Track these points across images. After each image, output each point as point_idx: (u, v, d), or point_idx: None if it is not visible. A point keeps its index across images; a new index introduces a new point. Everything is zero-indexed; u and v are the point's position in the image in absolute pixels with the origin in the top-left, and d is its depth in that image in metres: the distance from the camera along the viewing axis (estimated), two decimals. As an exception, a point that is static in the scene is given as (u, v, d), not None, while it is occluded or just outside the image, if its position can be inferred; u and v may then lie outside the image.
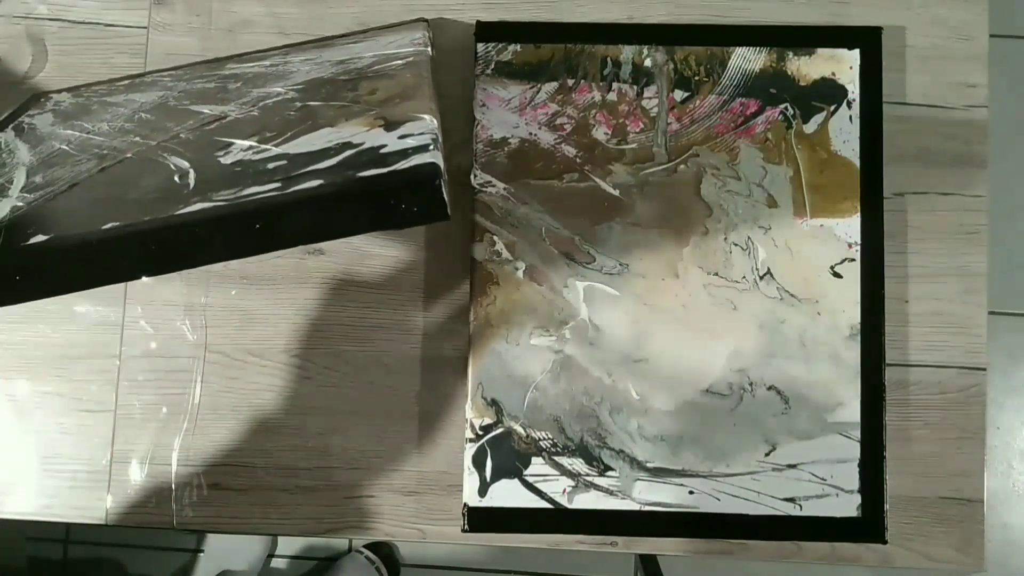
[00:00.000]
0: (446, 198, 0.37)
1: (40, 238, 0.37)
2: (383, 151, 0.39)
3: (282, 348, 0.54)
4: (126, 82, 0.55)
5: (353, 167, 0.38)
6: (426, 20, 0.55)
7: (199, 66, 0.55)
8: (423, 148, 0.38)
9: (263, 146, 0.42)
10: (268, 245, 0.37)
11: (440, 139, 0.40)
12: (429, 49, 0.50)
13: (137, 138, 0.47)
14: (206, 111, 0.48)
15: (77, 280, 0.37)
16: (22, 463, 0.54)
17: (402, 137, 0.39)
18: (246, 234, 0.37)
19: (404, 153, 0.38)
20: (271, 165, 0.40)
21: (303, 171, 0.38)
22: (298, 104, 0.46)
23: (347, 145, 0.40)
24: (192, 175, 0.41)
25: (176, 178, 0.41)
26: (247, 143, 0.43)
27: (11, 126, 0.51)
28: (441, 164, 0.37)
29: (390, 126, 0.41)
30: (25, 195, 0.43)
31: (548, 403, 0.51)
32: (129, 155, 0.45)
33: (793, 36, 0.54)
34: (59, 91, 0.56)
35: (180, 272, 0.54)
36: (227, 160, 0.42)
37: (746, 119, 0.53)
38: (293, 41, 0.56)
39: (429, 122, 0.40)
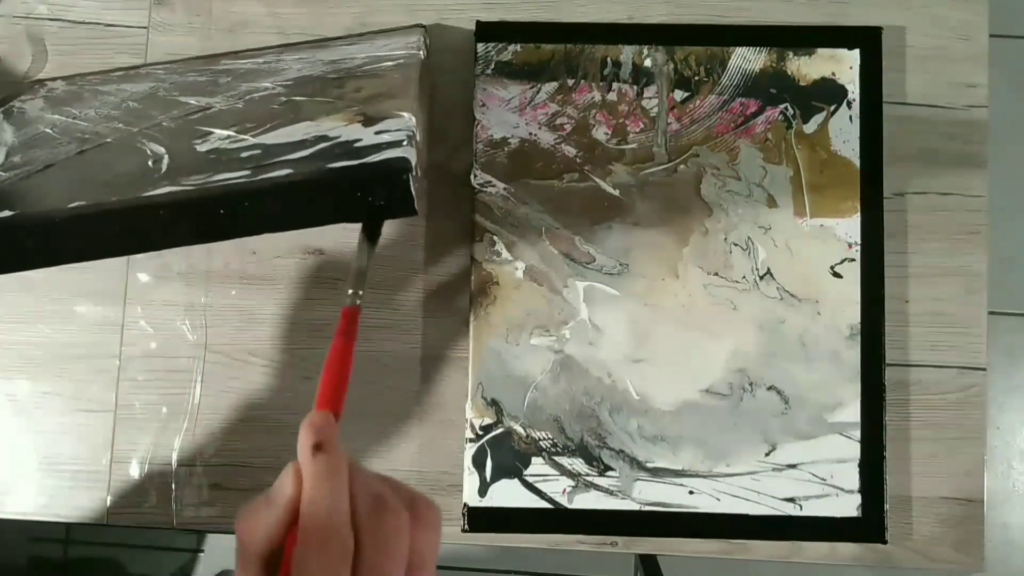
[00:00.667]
0: (414, 193, 0.36)
1: (5, 214, 0.38)
2: (357, 145, 0.39)
3: (282, 348, 0.54)
4: (120, 73, 0.55)
5: (325, 159, 0.38)
6: (423, 26, 0.55)
7: (194, 60, 0.55)
8: (396, 143, 0.38)
9: (240, 136, 0.42)
10: (233, 231, 0.37)
11: (418, 137, 0.40)
12: (421, 53, 0.50)
13: (120, 125, 0.47)
14: (192, 102, 0.48)
15: (41, 256, 0.38)
16: (22, 463, 0.54)
17: (378, 132, 0.39)
18: (210, 219, 0.37)
19: (377, 147, 0.38)
20: (245, 154, 0.40)
21: (274, 160, 0.38)
22: (283, 99, 0.47)
23: (323, 138, 0.40)
24: (166, 160, 0.41)
25: (150, 163, 0.41)
26: (226, 133, 0.43)
27: (1, 109, 0.51)
28: (413, 160, 0.37)
29: (369, 122, 0.41)
30: (0, 173, 0.43)
31: (548, 403, 0.51)
32: (109, 140, 0.46)
33: (793, 36, 0.54)
34: (54, 78, 0.56)
35: (179, 271, 0.55)
36: (203, 148, 0.42)
37: (746, 119, 0.53)
38: (293, 41, 0.56)
39: (407, 119, 0.40)
